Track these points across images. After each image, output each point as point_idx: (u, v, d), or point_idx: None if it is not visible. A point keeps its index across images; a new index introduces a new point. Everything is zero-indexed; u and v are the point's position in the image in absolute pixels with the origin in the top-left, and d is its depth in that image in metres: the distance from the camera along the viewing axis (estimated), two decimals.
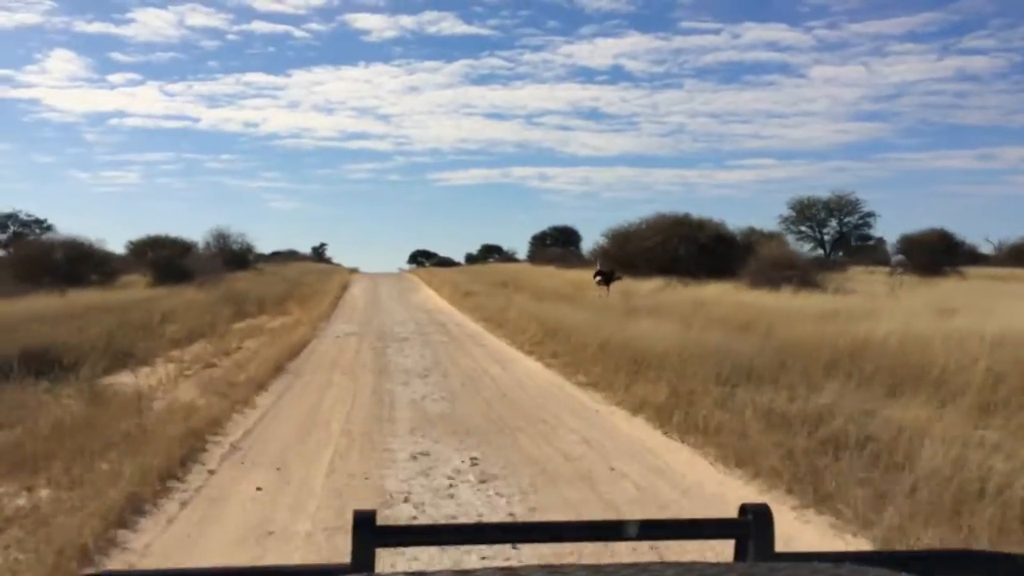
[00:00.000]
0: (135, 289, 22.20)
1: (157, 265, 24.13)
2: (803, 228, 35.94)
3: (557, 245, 59.72)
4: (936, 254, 29.43)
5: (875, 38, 62.24)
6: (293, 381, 9.90)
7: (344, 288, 33.16)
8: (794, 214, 36.15)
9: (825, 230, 34.45)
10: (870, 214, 35.56)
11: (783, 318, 12.60)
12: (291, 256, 55.29)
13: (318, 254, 66.93)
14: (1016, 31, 56.48)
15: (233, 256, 34.85)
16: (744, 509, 0.96)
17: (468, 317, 18.72)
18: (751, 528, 0.94)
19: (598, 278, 21.69)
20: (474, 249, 67.61)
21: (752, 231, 29.12)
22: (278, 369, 10.62)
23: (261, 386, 9.21)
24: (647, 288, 21.98)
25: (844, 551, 1.01)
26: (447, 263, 61.86)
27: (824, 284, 19.45)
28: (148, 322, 14.67)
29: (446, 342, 14.10)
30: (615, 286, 21.37)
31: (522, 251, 60.12)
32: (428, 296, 28.66)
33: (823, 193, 36.97)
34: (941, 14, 56.96)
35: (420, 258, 73.81)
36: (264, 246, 50.04)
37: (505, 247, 64.74)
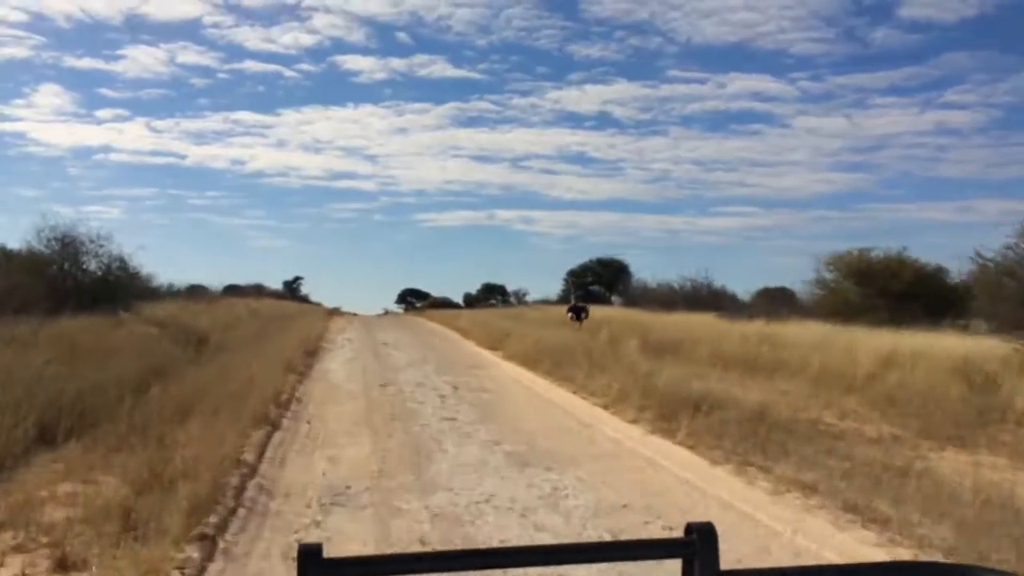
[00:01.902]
0: None
1: None
2: None
3: (601, 282, 48.76)
4: None
5: (858, 90, 61.80)
6: None
7: (311, 355, 14.77)
8: None
9: None
10: None
11: None
12: (256, 291, 42.24)
13: (291, 290, 56.09)
14: (995, 87, 54.53)
15: (79, 285, 16.32)
16: (689, 528, 0.94)
17: None
18: (696, 547, 0.92)
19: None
20: (471, 288, 60.01)
21: None
22: None
23: None
24: None
25: (786, 567, 0.97)
26: (445, 304, 51.29)
27: None
28: None
29: None
30: None
31: (534, 292, 51.65)
32: (554, 400, 10.34)
33: None
34: (923, 68, 57.40)
35: (410, 298, 65.69)
36: (232, 279, 41.91)
37: (510, 287, 56.41)
